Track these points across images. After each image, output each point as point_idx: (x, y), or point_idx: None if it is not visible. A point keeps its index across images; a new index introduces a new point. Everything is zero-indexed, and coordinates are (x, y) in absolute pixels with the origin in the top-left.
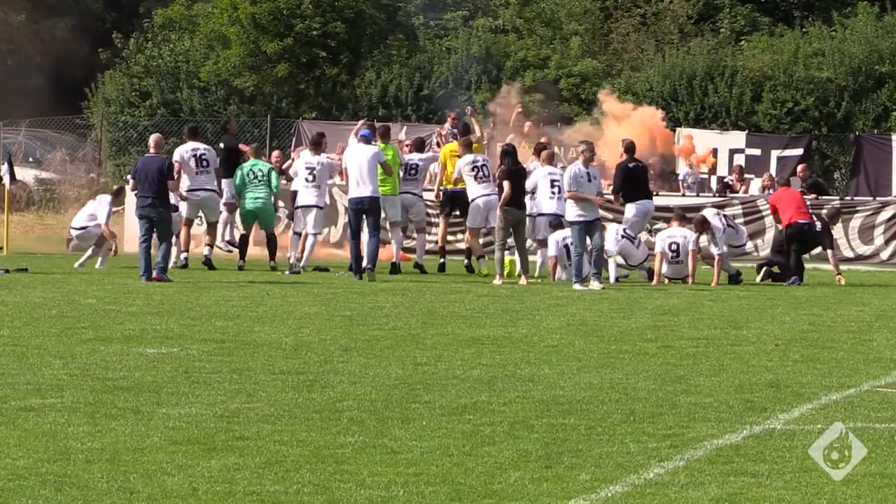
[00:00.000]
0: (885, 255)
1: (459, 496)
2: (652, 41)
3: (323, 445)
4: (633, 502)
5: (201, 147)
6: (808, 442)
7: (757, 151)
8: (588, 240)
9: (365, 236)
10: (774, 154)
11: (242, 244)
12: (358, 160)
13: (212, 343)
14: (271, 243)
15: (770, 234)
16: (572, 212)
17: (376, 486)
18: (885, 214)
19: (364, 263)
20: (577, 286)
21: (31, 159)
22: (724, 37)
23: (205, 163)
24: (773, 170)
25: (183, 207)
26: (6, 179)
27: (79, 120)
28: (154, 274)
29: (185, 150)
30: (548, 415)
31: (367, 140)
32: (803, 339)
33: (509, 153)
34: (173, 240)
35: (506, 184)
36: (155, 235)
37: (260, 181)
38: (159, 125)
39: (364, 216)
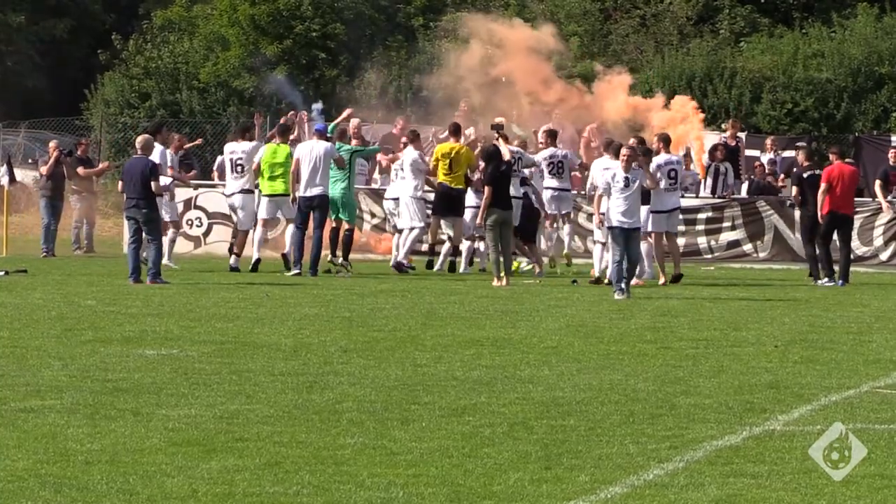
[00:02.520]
0: (884, 256)
1: (459, 497)
2: (651, 42)
3: (322, 447)
4: (632, 503)
5: (238, 150)
6: (807, 443)
7: (756, 152)
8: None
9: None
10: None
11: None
12: (311, 156)
13: (211, 344)
14: (346, 238)
15: (769, 237)
16: (613, 216)
17: (376, 487)
18: (885, 216)
19: (309, 264)
20: (618, 296)
21: (30, 160)
22: (724, 38)
23: (239, 168)
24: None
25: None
26: (5, 181)
27: (78, 121)
28: (148, 280)
29: (227, 151)
30: (547, 416)
31: (321, 134)
32: (803, 341)
33: (493, 155)
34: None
35: (487, 188)
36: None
37: (340, 168)
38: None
39: (312, 213)
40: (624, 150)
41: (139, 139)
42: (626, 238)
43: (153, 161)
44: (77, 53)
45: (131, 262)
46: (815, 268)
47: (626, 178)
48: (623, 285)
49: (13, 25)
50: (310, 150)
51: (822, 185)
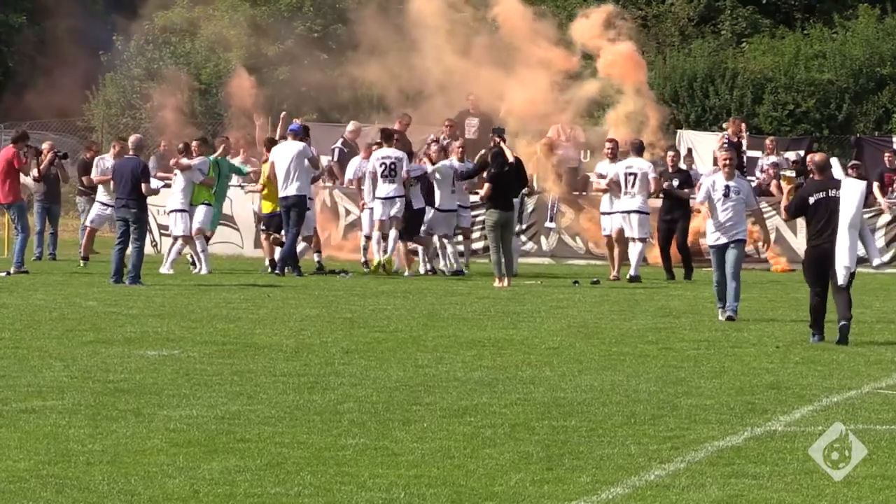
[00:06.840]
0: (885, 257)
1: (460, 498)
2: (653, 43)
3: (324, 447)
4: None
5: (392, 155)
6: (809, 444)
7: (757, 153)
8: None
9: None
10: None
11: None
12: (285, 157)
13: (213, 345)
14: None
15: (770, 238)
16: (709, 233)
17: (377, 488)
18: (886, 217)
19: (277, 259)
20: (721, 317)
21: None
22: (726, 39)
23: (392, 172)
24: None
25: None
26: None
27: (80, 122)
28: (127, 283)
29: (375, 159)
30: (549, 417)
31: (295, 135)
32: (804, 341)
33: (497, 156)
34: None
35: (486, 186)
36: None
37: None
38: (160, 128)
39: (289, 212)
40: (725, 155)
41: (131, 139)
42: (724, 256)
43: (144, 162)
44: (79, 54)
45: (114, 264)
46: None
47: (727, 187)
48: (725, 305)
49: (14, 26)
50: (284, 152)
51: None
